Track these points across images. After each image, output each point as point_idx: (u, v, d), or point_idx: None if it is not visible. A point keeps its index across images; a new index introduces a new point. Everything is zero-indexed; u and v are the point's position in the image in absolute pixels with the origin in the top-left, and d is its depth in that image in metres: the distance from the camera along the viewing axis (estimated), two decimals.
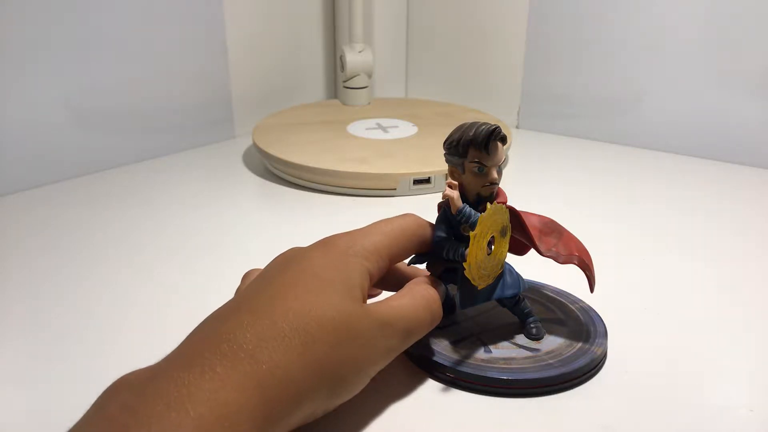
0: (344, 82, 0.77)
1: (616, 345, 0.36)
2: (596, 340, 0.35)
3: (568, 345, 0.34)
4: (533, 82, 0.78)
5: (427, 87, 0.88)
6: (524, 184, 0.62)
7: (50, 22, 0.57)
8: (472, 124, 0.33)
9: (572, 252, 0.35)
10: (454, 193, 0.32)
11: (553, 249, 0.35)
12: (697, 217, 0.54)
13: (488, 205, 0.32)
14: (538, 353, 0.34)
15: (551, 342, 0.35)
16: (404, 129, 0.69)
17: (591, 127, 0.75)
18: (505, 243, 0.34)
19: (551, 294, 0.40)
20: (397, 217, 0.34)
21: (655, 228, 0.52)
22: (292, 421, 0.26)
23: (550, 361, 0.33)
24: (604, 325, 0.36)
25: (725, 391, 0.33)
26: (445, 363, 0.33)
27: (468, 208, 0.33)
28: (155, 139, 0.68)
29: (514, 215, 0.34)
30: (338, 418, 0.31)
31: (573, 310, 0.38)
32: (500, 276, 0.34)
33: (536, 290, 0.40)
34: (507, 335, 0.36)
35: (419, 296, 0.32)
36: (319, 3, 0.82)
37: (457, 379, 0.33)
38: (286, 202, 0.58)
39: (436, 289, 0.33)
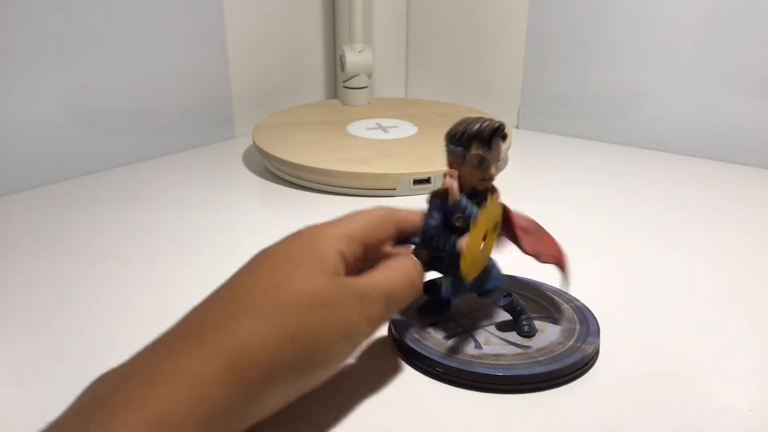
0: (344, 82, 0.77)
1: (615, 344, 0.36)
2: (588, 339, 0.35)
3: (559, 343, 0.35)
4: (533, 82, 0.78)
5: (427, 87, 0.88)
6: (524, 183, 0.62)
7: (50, 22, 0.57)
8: (477, 118, 0.33)
9: (551, 252, 0.36)
10: (454, 183, 0.33)
11: (535, 248, 0.36)
12: (697, 217, 0.54)
13: (489, 198, 0.33)
14: (529, 350, 0.34)
15: (542, 339, 0.35)
16: (404, 129, 0.69)
17: (591, 127, 0.75)
18: (494, 238, 0.35)
19: (547, 292, 0.40)
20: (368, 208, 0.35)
21: (655, 228, 0.52)
22: (271, 401, 0.26)
23: (540, 358, 0.33)
24: (597, 323, 0.36)
25: (725, 391, 0.33)
26: (435, 357, 0.34)
27: (466, 200, 0.33)
28: (155, 139, 0.68)
29: (504, 212, 0.35)
30: (325, 409, 0.31)
31: (567, 309, 0.38)
32: (485, 269, 0.35)
33: (532, 288, 0.40)
34: (499, 332, 0.36)
35: (396, 267, 0.32)
36: (319, 3, 0.82)
37: (445, 373, 0.33)
38: (286, 202, 0.58)
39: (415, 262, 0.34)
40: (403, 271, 0.32)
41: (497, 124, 0.33)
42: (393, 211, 0.35)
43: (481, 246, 0.33)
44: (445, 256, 0.35)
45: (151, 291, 0.43)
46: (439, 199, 0.35)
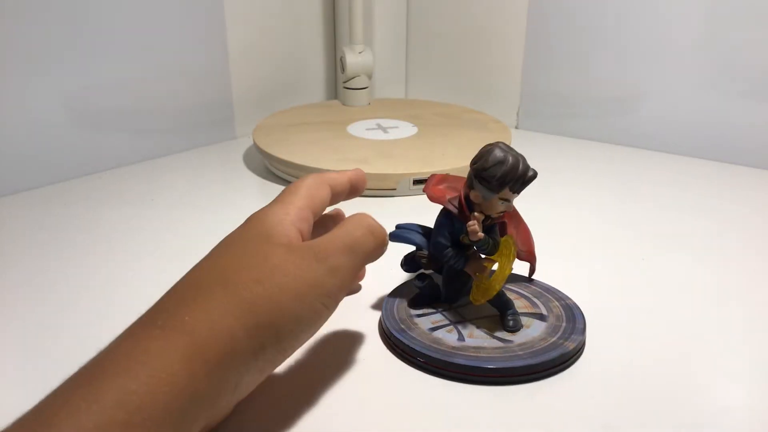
0: (344, 82, 0.77)
1: (614, 344, 0.37)
2: (572, 336, 0.35)
3: (541, 339, 0.35)
4: (533, 82, 0.78)
5: (427, 87, 0.88)
6: None
7: (50, 22, 0.57)
8: (513, 163, 0.33)
9: (531, 249, 0.39)
10: (477, 227, 0.34)
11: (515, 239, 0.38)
12: (696, 217, 0.54)
13: (507, 236, 0.36)
14: (510, 344, 0.35)
15: (526, 335, 0.36)
16: (404, 129, 0.69)
17: (591, 127, 0.75)
18: (511, 266, 0.36)
19: (539, 289, 0.40)
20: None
21: (655, 228, 0.52)
22: (241, 377, 0.27)
23: (519, 353, 0.34)
24: (584, 321, 0.37)
25: (725, 391, 0.33)
26: (417, 348, 0.34)
27: (489, 240, 0.35)
28: (155, 139, 0.68)
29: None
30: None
31: (557, 306, 0.38)
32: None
33: (524, 285, 0.41)
34: (484, 326, 0.37)
35: (353, 220, 0.33)
36: (319, 3, 0.82)
37: (426, 363, 0.34)
38: None
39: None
40: (360, 221, 0.33)
41: (531, 174, 0.33)
42: (321, 175, 0.36)
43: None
44: (453, 271, 0.37)
45: (152, 291, 0.43)
46: (446, 218, 0.36)
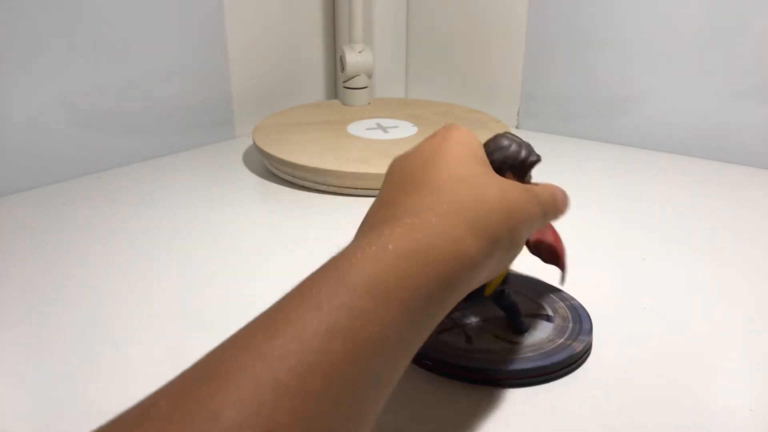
0: (344, 82, 0.77)
1: (613, 343, 0.36)
2: (579, 337, 0.35)
3: (549, 340, 0.35)
4: (533, 82, 0.78)
5: (427, 87, 0.88)
6: None
7: (50, 22, 0.57)
8: (515, 149, 0.33)
9: (552, 248, 0.37)
10: None
11: (542, 241, 0.37)
12: (697, 217, 0.54)
13: None
14: (518, 346, 0.35)
15: (534, 336, 0.36)
16: (404, 129, 0.69)
17: (591, 127, 0.75)
18: None
19: (543, 290, 0.40)
20: None
21: (655, 228, 0.52)
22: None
23: (529, 354, 0.34)
24: (591, 322, 0.37)
25: (725, 391, 0.33)
26: (425, 350, 0.34)
27: None
28: (155, 139, 0.68)
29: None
30: None
31: (562, 307, 0.38)
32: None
33: (529, 286, 0.41)
34: (492, 328, 0.36)
35: (549, 185, 0.33)
36: (319, 3, 0.82)
37: (434, 366, 0.34)
38: (286, 202, 0.58)
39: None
40: (556, 188, 0.33)
41: (535, 158, 0.33)
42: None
43: None
44: None
45: (152, 290, 0.43)
46: None
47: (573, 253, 0.48)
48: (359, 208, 0.58)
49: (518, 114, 0.80)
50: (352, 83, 0.76)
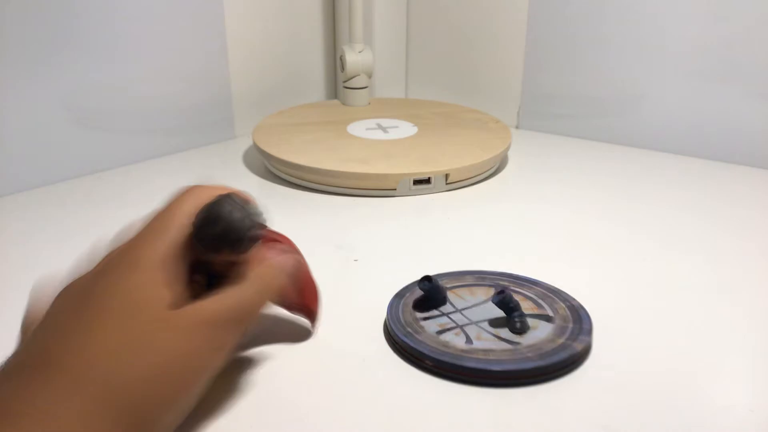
0: (344, 82, 0.77)
1: (613, 343, 0.36)
2: (579, 337, 0.35)
3: (549, 340, 0.35)
4: (533, 82, 0.78)
5: (427, 87, 0.88)
6: (524, 184, 0.62)
7: (50, 22, 0.57)
8: (231, 219, 0.29)
9: (303, 302, 0.35)
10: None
11: (285, 297, 0.34)
12: (696, 217, 0.54)
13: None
14: (518, 346, 0.35)
15: (534, 336, 0.36)
16: (404, 129, 0.69)
17: (591, 127, 0.75)
18: None
19: (544, 291, 0.40)
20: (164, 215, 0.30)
21: (655, 228, 0.52)
22: None
23: (529, 354, 0.34)
24: (590, 322, 0.37)
25: (725, 391, 0.33)
26: (425, 351, 0.34)
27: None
28: (155, 139, 0.68)
29: None
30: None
31: (562, 308, 0.38)
32: None
33: (529, 287, 0.41)
34: (491, 328, 0.36)
35: (249, 279, 0.29)
36: (319, 3, 0.82)
37: (435, 367, 0.34)
38: (286, 202, 0.58)
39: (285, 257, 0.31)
40: (256, 281, 0.29)
41: (255, 234, 0.29)
42: (198, 192, 0.30)
43: None
44: None
45: None
46: None
47: (572, 252, 0.49)
48: (359, 208, 0.59)
49: (518, 114, 0.80)
50: (352, 83, 0.76)
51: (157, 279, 0.26)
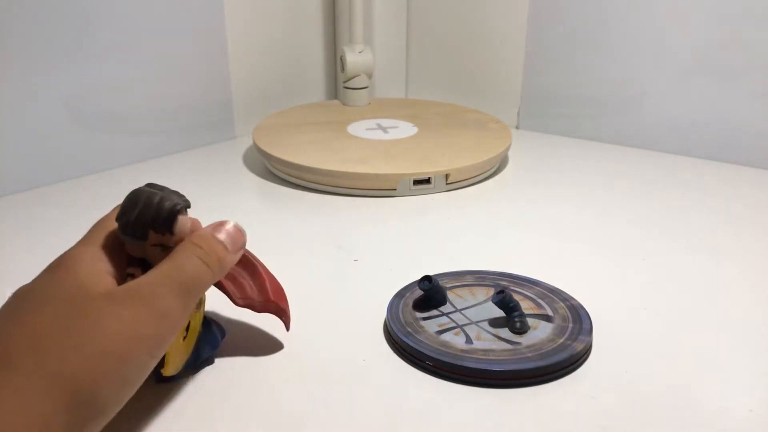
0: (344, 82, 0.77)
1: (613, 343, 0.37)
2: (579, 337, 0.35)
3: (549, 340, 0.35)
4: (533, 82, 0.78)
5: (427, 87, 0.88)
6: (524, 184, 0.62)
7: (51, 23, 0.57)
8: (148, 198, 0.29)
9: (268, 298, 0.34)
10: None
11: (249, 298, 0.34)
12: (697, 217, 0.54)
13: None
14: (519, 346, 0.35)
15: (534, 336, 0.36)
16: (404, 129, 0.69)
17: (591, 127, 0.75)
18: (202, 311, 0.33)
19: (543, 290, 0.40)
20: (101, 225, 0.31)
21: (655, 228, 0.52)
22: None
23: (529, 355, 0.34)
24: (590, 322, 0.37)
25: (725, 391, 0.33)
26: (425, 351, 0.34)
27: None
28: (155, 139, 0.68)
29: None
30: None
31: (562, 307, 0.38)
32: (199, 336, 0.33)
33: (529, 287, 0.41)
34: (491, 328, 0.36)
35: (181, 249, 0.29)
36: (319, 3, 0.82)
37: (435, 367, 0.34)
38: (286, 202, 0.58)
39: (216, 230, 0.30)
40: (189, 249, 0.29)
41: (175, 205, 0.29)
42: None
43: (183, 338, 0.32)
44: None
45: None
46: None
47: (573, 252, 0.49)
48: (359, 208, 0.59)
49: (518, 114, 0.80)
50: (352, 83, 0.76)
51: (93, 269, 0.27)
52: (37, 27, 0.57)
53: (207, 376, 0.34)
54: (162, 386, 0.33)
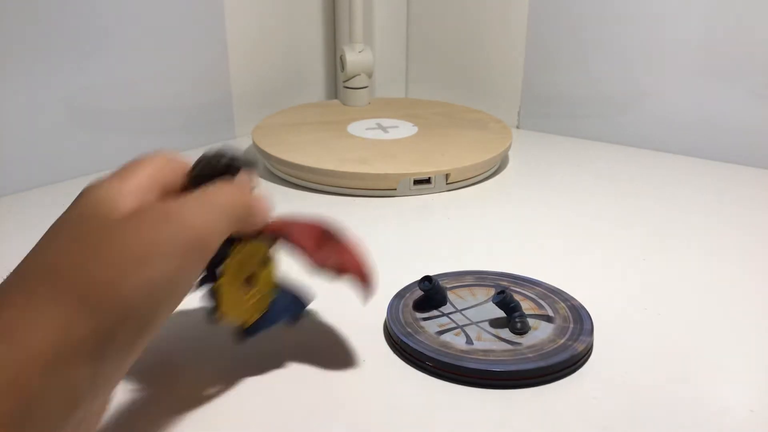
0: (344, 82, 0.77)
1: (614, 343, 0.36)
2: (580, 337, 0.35)
3: (550, 340, 0.35)
4: (533, 82, 0.78)
5: (427, 87, 0.88)
6: (524, 184, 0.62)
7: (51, 23, 0.57)
8: (213, 154, 0.30)
9: (347, 267, 0.32)
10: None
11: (328, 262, 0.32)
12: (697, 217, 0.54)
13: (233, 249, 0.31)
14: (519, 347, 0.35)
15: (534, 337, 0.35)
16: (404, 129, 0.69)
17: (591, 127, 0.75)
18: (269, 271, 0.33)
19: (544, 291, 0.40)
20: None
21: (655, 228, 0.52)
22: (99, 368, 0.24)
23: (529, 355, 0.34)
24: (591, 322, 0.37)
25: (725, 391, 0.33)
26: (425, 351, 0.34)
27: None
28: (155, 139, 0.68)
29: (284, 235, 0.33)
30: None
31: (563, 308, 0.38)
32: (274, 301, 0.33)
33: (530, 287, 0.41)
34: (492, 329, 0.36)
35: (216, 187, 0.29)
36: (319, 3, 0.82)
37: (435, 367, 0.34)
38: (286, 202, 0.58)
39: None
40: (224, 189, 0.29)
41: (229, 161, 0.30)
42: (173, 152, 0.31)
43: (248, 291, 0.31)
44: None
45: None
46: None
47: (573, 252, 0.49)
48: (359, 208, 0.58)
49: (518, 114, 0.80)
50: (352, 83, 0.76)
51: (123, 189, 0.27)
52: (37, 27, 0.57)
53: (207, 375, 0.34)
54: (162, 384, 0.33)
